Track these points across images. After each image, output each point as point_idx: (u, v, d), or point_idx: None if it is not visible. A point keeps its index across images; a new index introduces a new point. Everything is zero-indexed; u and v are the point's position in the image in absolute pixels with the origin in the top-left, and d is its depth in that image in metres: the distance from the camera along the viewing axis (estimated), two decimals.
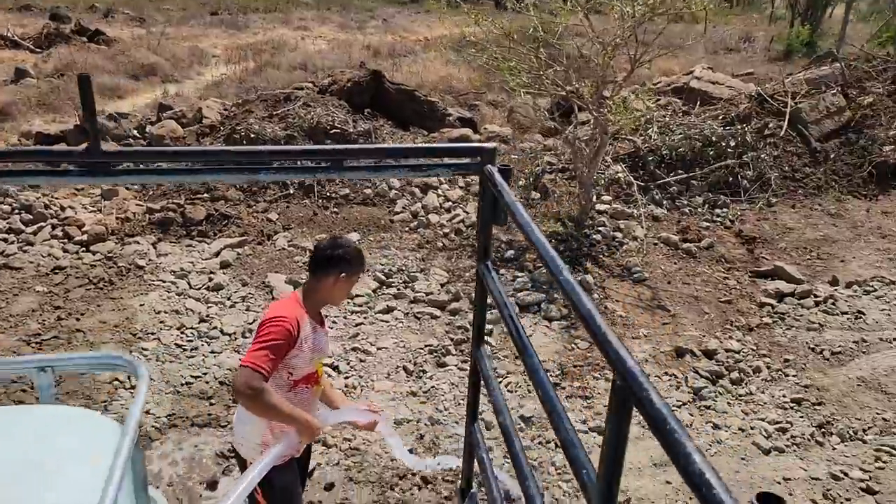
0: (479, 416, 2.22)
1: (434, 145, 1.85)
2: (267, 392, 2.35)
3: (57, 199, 6.93)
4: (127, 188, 7.37)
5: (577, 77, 6.58)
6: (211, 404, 4.46)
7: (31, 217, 6.46)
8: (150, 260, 6.12)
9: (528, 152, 8.50)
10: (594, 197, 7.36)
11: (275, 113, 8.17)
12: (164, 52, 13.82)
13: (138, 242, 6.35)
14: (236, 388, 2.32)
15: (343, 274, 2.54)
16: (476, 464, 2.20)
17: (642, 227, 7.12)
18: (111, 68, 12.06)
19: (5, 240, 6.21)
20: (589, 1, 6.31)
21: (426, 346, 5.27)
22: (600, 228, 7.00)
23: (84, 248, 6.18)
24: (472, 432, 2.07)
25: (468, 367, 5.06)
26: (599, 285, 6.13)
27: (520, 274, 6.24)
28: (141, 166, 1.71)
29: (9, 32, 14.31)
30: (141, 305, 5.50)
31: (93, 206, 6.93)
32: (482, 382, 1.94)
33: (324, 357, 2.69)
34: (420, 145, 1.78)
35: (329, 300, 2.64)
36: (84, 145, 1.50)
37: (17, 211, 6.49)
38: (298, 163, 1.97)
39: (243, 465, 2.60)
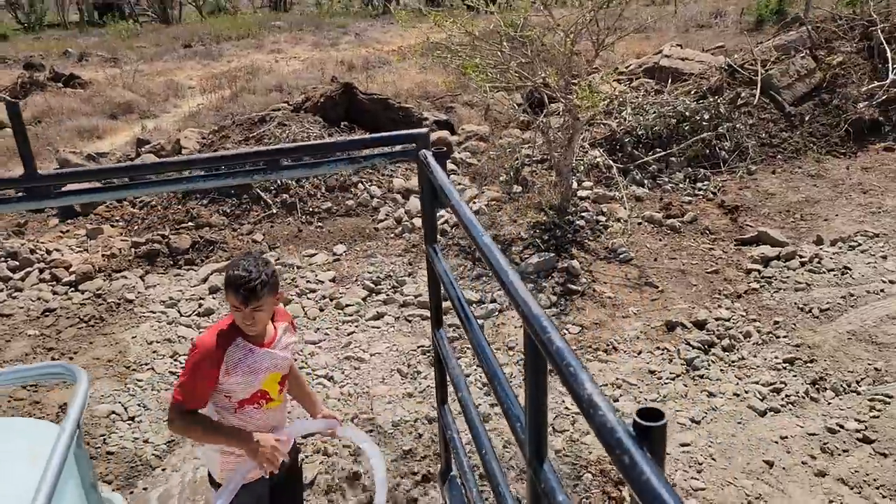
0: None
1: (369, 136, 1.89)
2: (197, 423, 2.37)
3: (42, 243, 6.98)
4: (111, 225, 7.42)
5: (543, 67, 6.63)
6: None
7: (17, 263, 6.50)
8: (138, 293, 6.16)
9: (507, 147, 8.55)
10: (574, 183, 7.41)
11: (251, 135, 8.23)
12: (139, 88, 13.90)
13: (126, 277, 6.39)
14: (169, 425, 2.37)
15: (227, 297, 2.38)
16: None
17: (625, 209, 7.16)
18: (88, 110, 12.13)
19: None
20: None
21: (419, 347, 5.30)
22: (583, 214, 7.04)
23: (73, 289, 6.22)
24: (443, 414, 2.10)
25: (466, 362, 5.10)
26: (586, 269, 6.16)
27: None
28: (79, 186, 1.75)
29: None
30: (133, 338, 5.54)
31: (79, 247, 6.98)
32: (444, 362, 1.98)
33: (275, 374, 2.53)
34: (355, 137, 1.81)
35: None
36: (21, 171, 1.54)
37: (2, 259, 6.54)
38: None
39: (215, 485, 2.64)
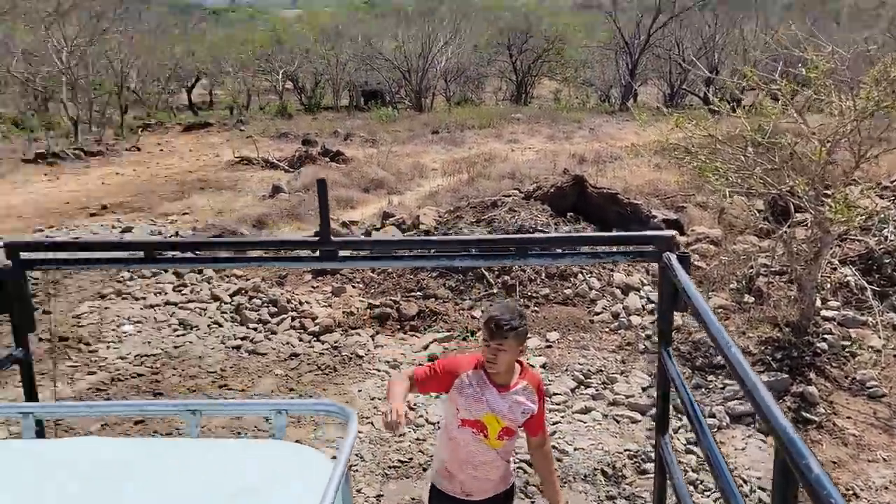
0: None
1: (613, 234, 1.97)
2: (400, 379, 2.77)
3: (297, 294, 7.97)
4: (353, 286, 8.26)
5: (792, 175, 6.27)
6: (414, 487, 4.71)
7: (276, 310, 7.49)
8: (368, 350, 6.74)
9: (741, 254, 8.09)
10: (818, 301, 6.76)
11: (482, 218, 8.75)
12: (390, 167, 15.51)
13: (359, 334, 7.03)
14: (397, 374, 2.85)
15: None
16: None
17: (879, 337, 6.35)
18: (346, 182, 13.79)
19: (256, 329, 7.25)
20: (795, 96, 6.09)
21: (625, 450, 5.10)
22: (826, 336, 6.36)
23: (315, 338, 6.99)
24: None
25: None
26: (826, 399, 5.53)
27: (731, 381, 5.84)
28: (359, 253, 2.05)
29: (269, 156, 17.11)
30: (359, 391, 6.04)
31: (324, 302, 7.86)
32: (667, 471, 1.93)
33: (494, 416, 2.80)
34: (599, 234, 1.90)
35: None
36: (317, 236, 1.87)
37: (266, 304, 7.58)
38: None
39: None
